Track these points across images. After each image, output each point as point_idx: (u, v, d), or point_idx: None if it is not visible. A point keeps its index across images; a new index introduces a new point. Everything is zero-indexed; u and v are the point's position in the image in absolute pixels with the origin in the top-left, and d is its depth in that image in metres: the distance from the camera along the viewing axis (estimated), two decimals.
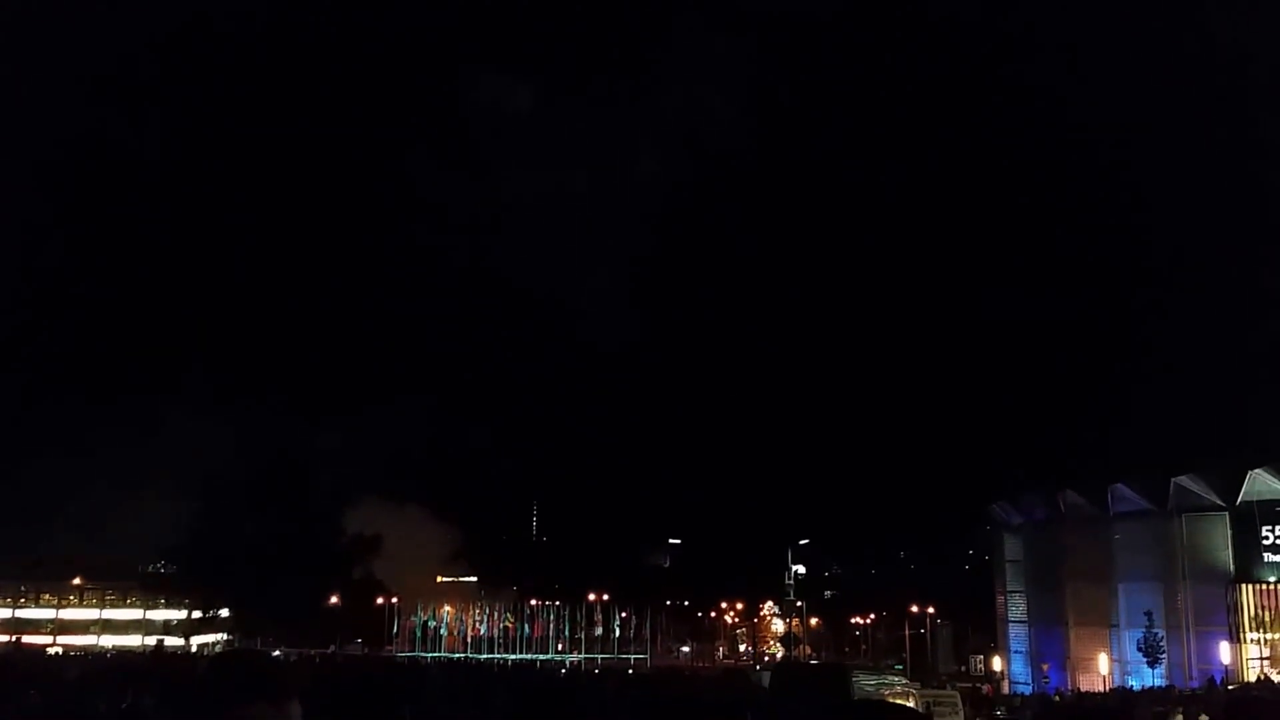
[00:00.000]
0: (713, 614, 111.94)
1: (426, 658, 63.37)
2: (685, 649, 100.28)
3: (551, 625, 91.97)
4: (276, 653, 49.98)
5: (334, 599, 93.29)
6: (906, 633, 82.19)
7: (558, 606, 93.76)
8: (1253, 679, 48.81)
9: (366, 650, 78.52)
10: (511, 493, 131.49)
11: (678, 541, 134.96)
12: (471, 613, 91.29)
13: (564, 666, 63.97)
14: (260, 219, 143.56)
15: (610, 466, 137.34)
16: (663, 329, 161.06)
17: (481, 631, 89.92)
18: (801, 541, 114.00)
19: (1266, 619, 53.91)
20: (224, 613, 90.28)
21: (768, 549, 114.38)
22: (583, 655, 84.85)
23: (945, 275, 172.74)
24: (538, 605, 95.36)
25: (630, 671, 52.17)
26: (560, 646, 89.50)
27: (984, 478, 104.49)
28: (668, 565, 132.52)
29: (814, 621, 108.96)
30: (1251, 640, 53.92)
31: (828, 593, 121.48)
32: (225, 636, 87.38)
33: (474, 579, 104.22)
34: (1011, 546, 70.20)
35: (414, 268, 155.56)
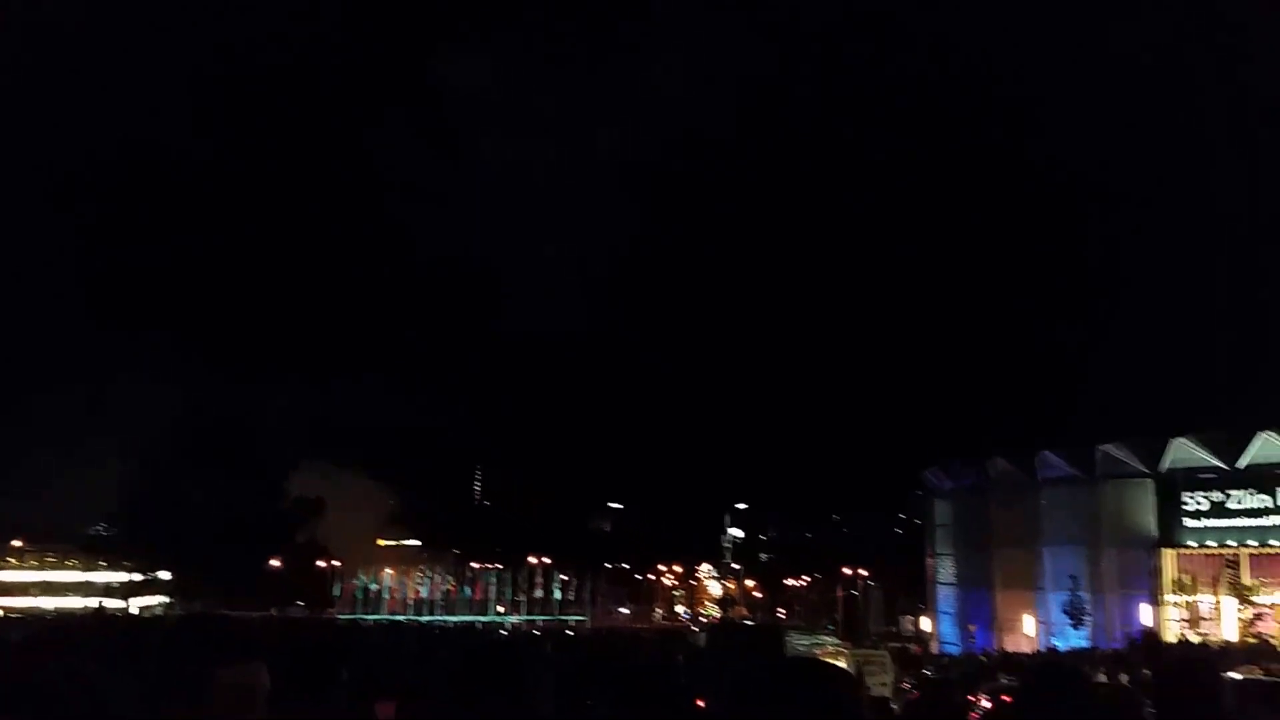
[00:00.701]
0: (651, 577, 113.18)
1: (368, 620, 63.39)
2: (624, 611, 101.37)
3: (493, 588, 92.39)
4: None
5: (275, 562, 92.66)
6: (839, 594, 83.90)
7: (499, 570, 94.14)
8: (1173, 640, 50.82)
9: (308, 613, 78.26)
10: (454, 458, 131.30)
11: (619, 506, 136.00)
12: (413, 576, 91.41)
13: (504, 628, 64.41)
14: (207, 184, 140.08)
15: (552, 433, 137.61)
16: (607, 298, 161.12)
17: (423, 594, 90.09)
18: (739, 506, 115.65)
19: (1186, 582, 56.07)
20: (165, 575, 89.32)
21: (706, 513, 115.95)
22: (523, 617, 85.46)
23: (883, 243, 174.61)
24: (479, 568, 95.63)
25: (569, 633, 52.82)
26: (501, 609, 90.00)
27: (917, 445, 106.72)
28: (609, 529, 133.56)
29: (750, 584, 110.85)
30: (1172, 603, 56.08)
31: (764, 556, 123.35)
32: (166, 600, 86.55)
33: (416, 543, 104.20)
34: (942, 511, 71.87)
35: (362, 236, 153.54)
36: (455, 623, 59.30)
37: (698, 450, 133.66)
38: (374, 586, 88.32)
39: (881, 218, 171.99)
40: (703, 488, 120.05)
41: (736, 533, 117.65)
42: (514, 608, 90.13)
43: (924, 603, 74.82)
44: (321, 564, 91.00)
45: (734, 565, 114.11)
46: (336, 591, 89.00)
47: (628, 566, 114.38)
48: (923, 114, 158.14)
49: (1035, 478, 62.62)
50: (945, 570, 70.59)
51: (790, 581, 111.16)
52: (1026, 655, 47.72)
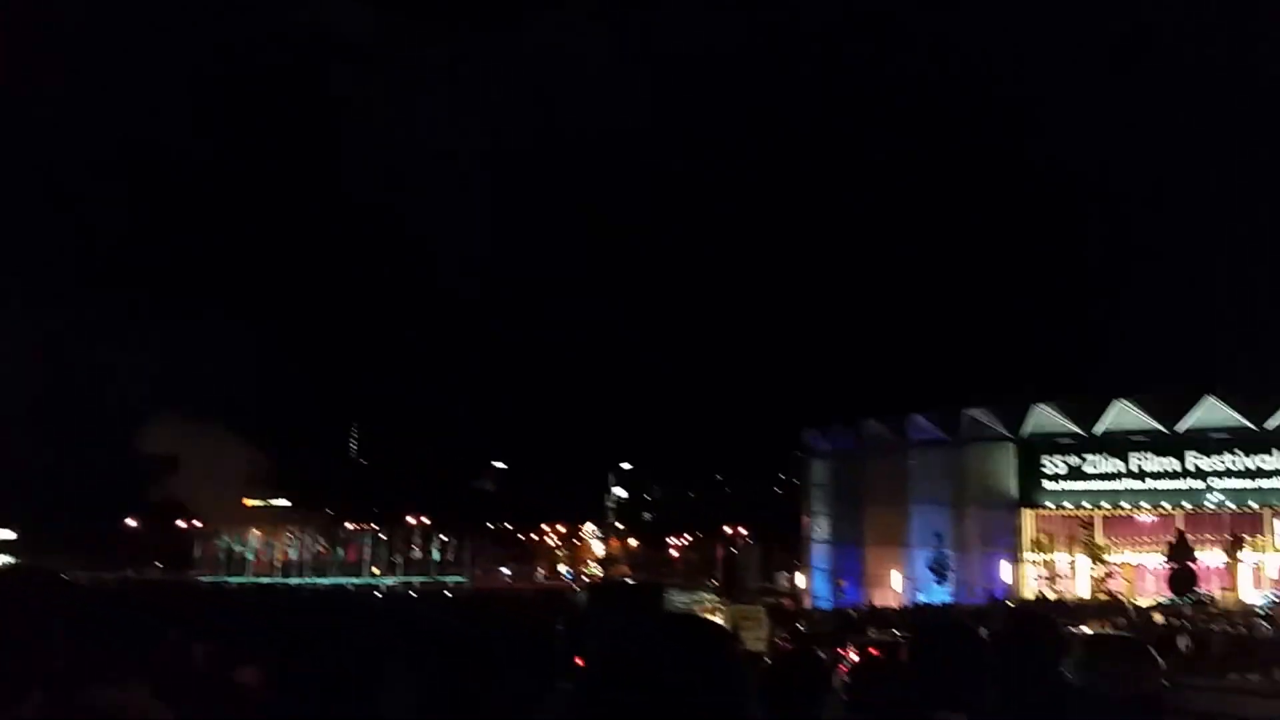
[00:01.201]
0: (535, 537, 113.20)
1: (231, 582, 61.74)
2: (506, 572, 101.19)
3: (367, 550, 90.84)
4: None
5: (130, 521, 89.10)
6: (719, 553, 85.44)
7: (375, 530, 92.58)
8: (1031, 596, 53.39)
9: (165, 574, 75.60)
10: (329, 414, 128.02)
11: (503, 466, 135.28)
12: (282, 537, 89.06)
13: (379, 590, 63.47)
14: (72, 122, 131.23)
15: (434, 390, 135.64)
16: (495, 255, 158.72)
17: (291, 556, 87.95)
18: (623, 466, 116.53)
19: (1044, 542, 58.96)
20: (10, 535, 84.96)
21: (590, 473, 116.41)
22: (400, 579, 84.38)
23: (764, 205, 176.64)
24: (354, 530, 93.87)
25: (448, 594, 52.40)
26: (376, 571, 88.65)
27: (797, 408, 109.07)
28: (491, 489, 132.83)
29: (633, 543, 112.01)
30: (1031, 561, 58.93)
31: (647, 515, 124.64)
32: (12, 559, 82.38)
33: (286, 503, 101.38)
34: (819, 471, 73.79)
35: (225, 171, 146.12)
36: (326, 585, 58.30)
37: (583, 411, 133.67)
38: (239, 548, 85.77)
39: (756, 177, 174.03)
40: (587, 448, 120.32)
41: (620, 492, 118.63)
42: (390, 570, 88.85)
43: (799, 560, 76.78)
44: (181, 524, 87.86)
45: (618, 524, 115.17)
46: (198, 553, 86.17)
47: (510, 527, 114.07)
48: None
49: (906, 440, 64.82)
50: (820, 528, 72.59)
51: (672, 540, 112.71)
52: (894, 610, 49.53)
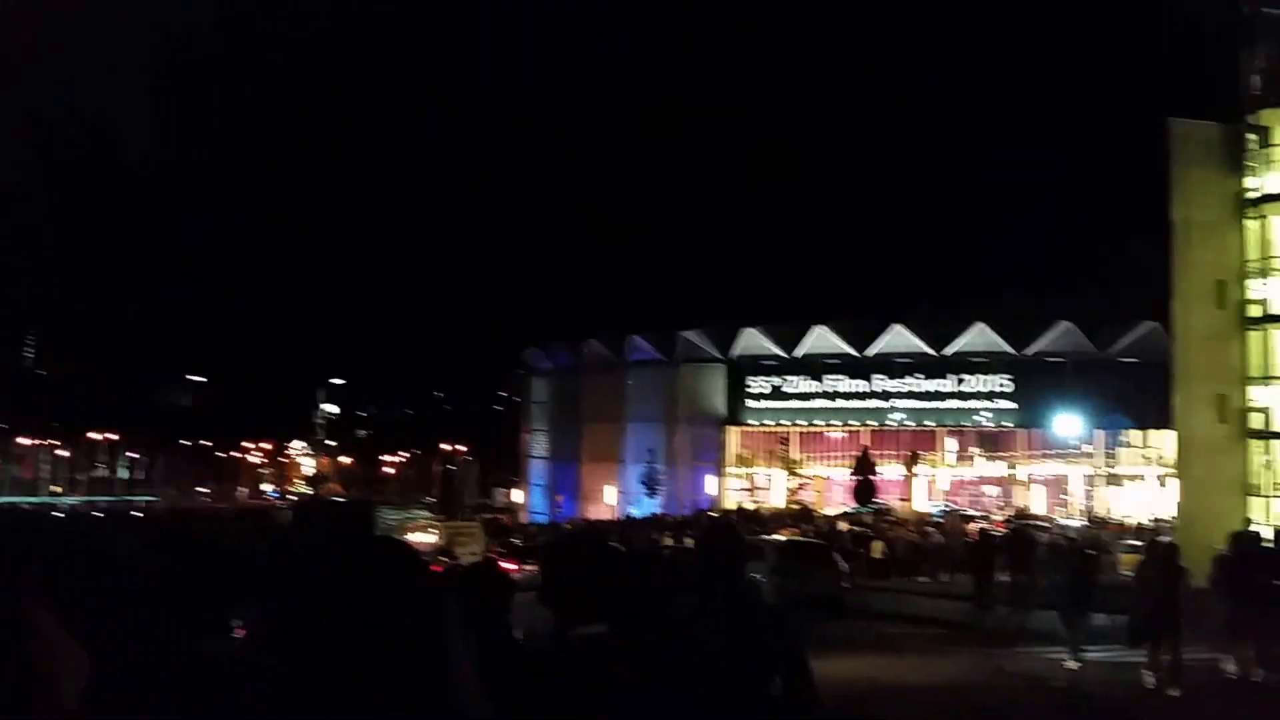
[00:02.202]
0: (237, 455, 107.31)
1: None
2: (204, 491, 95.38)
3: (46, 467, 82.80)
4: None
5: None
6: (436, 470, 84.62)
7: (54, 447, 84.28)
8: (732, 507, 56.59)
9: None
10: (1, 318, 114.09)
11: (202, 379, 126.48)
12: None
13: (58, 510, 57.81)
14: None
15: (123, 298, 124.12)
16: (210, 164, 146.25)
17: None
18: (334, 381, 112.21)
19: (746, 457, 62.66)
20: None
21: (298, 389, 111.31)
22: (84, 498, 77.52)
23: (498, 118, 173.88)
24: (30, 445, 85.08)
25: (136, 514, 48.40)
26: (57, 489, 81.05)
27: (519, 326, 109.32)
28: (188, 404, 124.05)
29: (346, 461, 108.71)
30: (733, 474, 62.52)
31: (362, 432, 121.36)
32: None
33: None
34: (539, 389, 74.39)
35: None
36: None
37: (290, 324, 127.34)
38: None
39: (486, 88, 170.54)
40: (295, 362, 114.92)
41: (331, 409, 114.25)
42: (72, 488, 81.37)
43: (518, 476, 77.44)
44: None
45: (329, 442, 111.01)
46: None
47: (210, 444, 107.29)
48: None
49: (624, 359, 66.47)
50: (539, 445, 73.43)
51: (388, 458, 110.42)
52: (605, 521, 51.03)
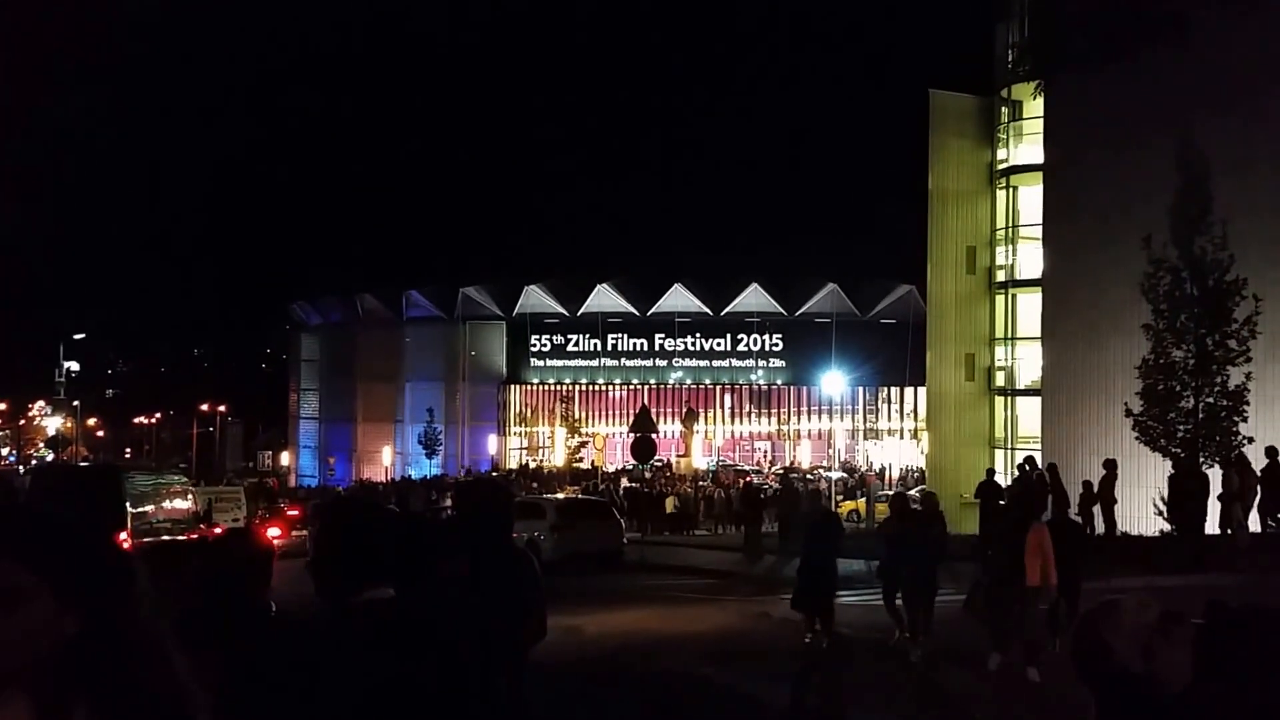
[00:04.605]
0: None
1: None
2: None
3: None
4: None
5: None
6: (194, 431, 79.51)
7: None
8: (514, 466, 56.14)
9: None
10: None
11: None
12: None
13: None
14: None
15: None
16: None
17: None
18: (76, 336, 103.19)
19: (528, 415, 62.29)
20: None
21: (38, 343, 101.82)
22: None
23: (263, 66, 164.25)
24: None
25: None
26: None
27: (285, 278, 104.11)
28: None
29: (92, 422, 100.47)
30: (515, 433, 62.06)
31: (110, 391, 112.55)
32: None
33: None
34: (309, 346, 71.09)
35: None
36: None
37: (25, 272, 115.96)
38: None
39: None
40: (31, 315, 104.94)
41: (73, 365, 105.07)
42: None
43: (286, 438, 74.04)
44: None
45: (74, 402, 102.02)
46: None
47: None
48: None
49: (402, 315, 64.44)
50: (309, 405, 70.28)
51: (141, 419, 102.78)
52: (384, 483, 49.50)
